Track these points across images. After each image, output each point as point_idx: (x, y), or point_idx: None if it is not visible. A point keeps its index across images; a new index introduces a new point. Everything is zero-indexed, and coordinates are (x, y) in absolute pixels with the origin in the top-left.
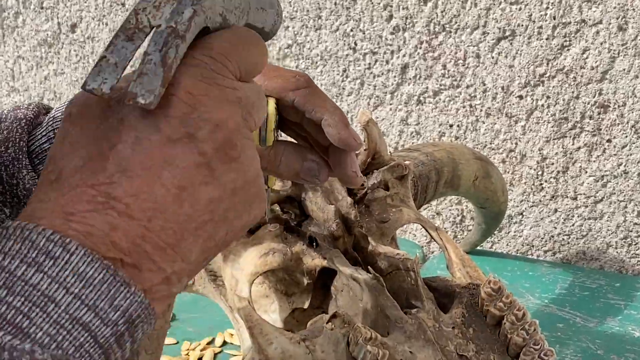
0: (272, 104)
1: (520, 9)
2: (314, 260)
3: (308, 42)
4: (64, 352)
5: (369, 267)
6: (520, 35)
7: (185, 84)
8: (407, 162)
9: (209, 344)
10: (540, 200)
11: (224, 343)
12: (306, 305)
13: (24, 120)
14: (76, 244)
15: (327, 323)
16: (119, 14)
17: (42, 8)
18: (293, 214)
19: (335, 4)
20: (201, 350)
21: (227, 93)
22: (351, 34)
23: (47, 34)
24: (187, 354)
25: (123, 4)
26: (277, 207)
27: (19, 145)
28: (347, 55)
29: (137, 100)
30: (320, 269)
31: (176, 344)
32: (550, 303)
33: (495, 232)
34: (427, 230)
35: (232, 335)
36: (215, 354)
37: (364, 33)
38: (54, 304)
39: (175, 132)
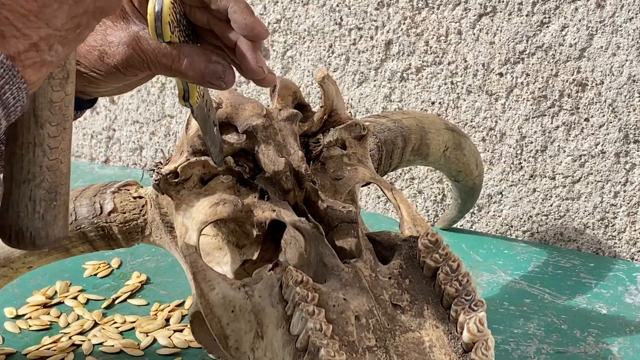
0: None
1: None
2: (264, 213)
3: (296, 17)
4: None
5: (309, 216)
6: (500, 11)
7: None
8: (366, 123)
9: (178, 306)
10: (519, 180)
11: None
12: (255, 257)
13: None
14: None
15: (268, 271)
16: None
17: None
18: (247, 167)
19: None
20: (169, 312)
21: None
22: (337, 9)
23: None
24: (156, 314)
25: None
26: (230, 160)
27: None
28: (333, 30)
29: None
30: (271, 222)
31: (147, 305)
32: (521, 280)
33: (475, 212)
34: (382, 190)
35: None
36: (183, 316)
37: (349, 8)
38: None
39: None
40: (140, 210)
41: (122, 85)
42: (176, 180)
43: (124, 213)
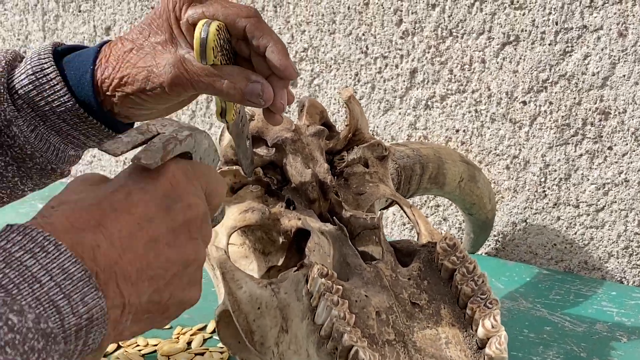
0: (214, 25)
1: (524, 14)
2: (290, 221)
3: (322, 45)
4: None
5: (334, 219)
6: (524, 40)
7: (173, 172)
8: (387, 144)
9: (200, 330)
10: (543, 208)
11: (215, 330)
12: (280, 263)
13: (3, 62)
14: (66, 247)
15: (294, 271)
16: None
17: (79, 11)
18: (275, 179)
19: (349, 8)
20: (191, 335)
21: (197, 190)
22: (363, 38)
23: (84, 36)
24: (177, 338)
25: (152, 7)
26: (260, 171)
27: None
28: (359, 59)
29: (141, 161)
30: (295, 230)
31: (169, 328)
32: (542, 307)
33: (500, 239)
34: (401, 207)
35: None
36: (205, 339)
37: (375, 37)
38: (39, 284)
39: (158, 199)
40: None
41: (164, 108)
42: None
43: None
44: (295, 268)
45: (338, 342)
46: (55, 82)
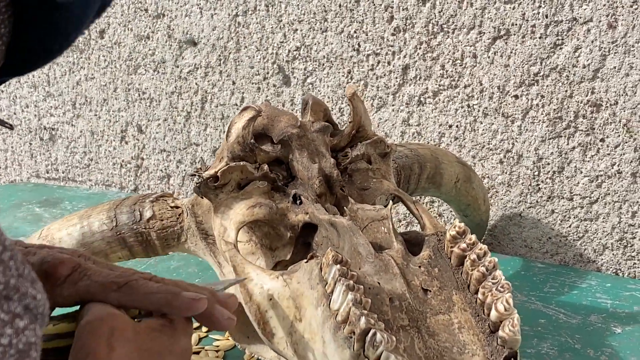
0: None
1: (514, 7)
2: (297, 216)
3: (315, 44)
4: None
5: (344, 208)
6: (514, 34)
7: None
8: (390, 142)
9: (196, 329)
10: (537, 201)
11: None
12: (288, 257)
13: None
14: None
15: (306, 262)
16: (143, 19)
17: None
18: (280, 175)
19: (340, 5)
20: None
21: None
22: (355, 35)
23: (79, 40)
24: None
25: (146, 10)
26: (266, 167)
27: None
28: (351, 56)
29: None
30: (302, 225)
31: None
32: (536, 300)
33: (496, 234)
34: (404, 203)
35: None
36: (200, 338)
37: (366, 34)
38: None
39: None
40: (177, 218)
41: None
42: (216, 184)
43: (162, 220)
44: (306, 260)
45: (355, 326)
46: None
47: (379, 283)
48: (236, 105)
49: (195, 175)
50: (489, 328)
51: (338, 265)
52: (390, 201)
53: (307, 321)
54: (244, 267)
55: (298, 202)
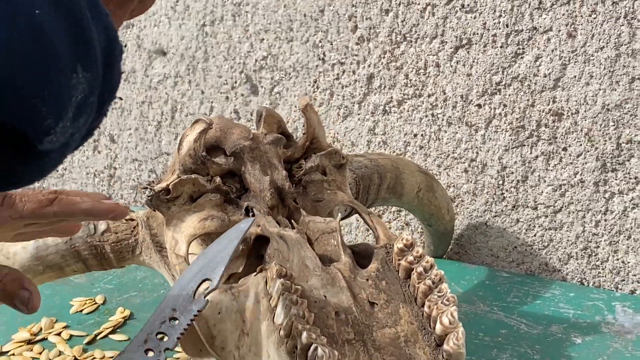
0: None
1: (475, 17)
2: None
3: (281, 53)
4: None
5: (292, 223)
6: (476, 43)
7: None
8: (345, 153)
9: None
10: (502, 210)
11: None
12: (240, 270)
13: None
14: None
15: (255, 275)
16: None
17: None
18: (233, 187)
19: (305, 15)
20: None
21: None
22: (320, 44)
23: None
24: None
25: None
26: (218, 179)
27: None
28: (317, 66)
29: None
30: (255, 237)
31: (128, 340)
32: (499, 310)
33: (463, 243)
34: (359, 214)
35: None
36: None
37: (331, 44)
38: None
39: None
40: (132, 231)
41: None
42: (167, 197)
43: (117, 233)
44: (255, 273)
45: (297, 341)
46: None
47: (325, 296)
48: (206, 114)
49: (147, 188)
50: (435, 342)
51: (281, 279)
52: (339, 214)
53: (254, 335)
54: None
55: (250, 214)
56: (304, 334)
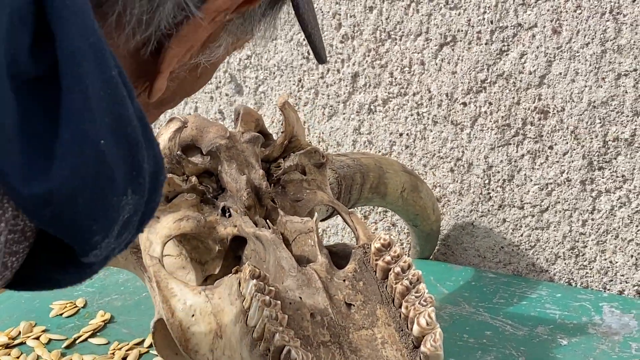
0: None
1: (459, 14)
2: (226, 229)
3: (265, 52)
4: None
5: (267, 221)
6: (460, 41)
7: None
8: (325, 152)
9: (137, 344)
10: (488, 210)
11: (152, 344)
12: (217, 271)
13: None
14: None
15: (229, 277)
16: None
17: None
18: (210, 187)
19: (288, 13)
20: (127, 350)
21: None
22: (304, 43)
23: None
24: (113, 353)
25: None
26: (194, 179)
27: None
28: (301, 65)
29: None
30: (232, 238)
31: (107, 344)
32: (484, 311)
33: (450, 244)
34: (340, 214)
35: None
36: (141, 354)
37: None
38: None
39: None
40: None
41: None
42: None
43: None
44: (232, 273)
45: (270, 343)
46: None
47: (300, 298)
48: (189, 114)
49: None
50: (413, 343)
51: (254, 281)
52: (316, 213)
53: (227, 337)
54: (167, 283)
55: (227, 214)
56: (277, 336)
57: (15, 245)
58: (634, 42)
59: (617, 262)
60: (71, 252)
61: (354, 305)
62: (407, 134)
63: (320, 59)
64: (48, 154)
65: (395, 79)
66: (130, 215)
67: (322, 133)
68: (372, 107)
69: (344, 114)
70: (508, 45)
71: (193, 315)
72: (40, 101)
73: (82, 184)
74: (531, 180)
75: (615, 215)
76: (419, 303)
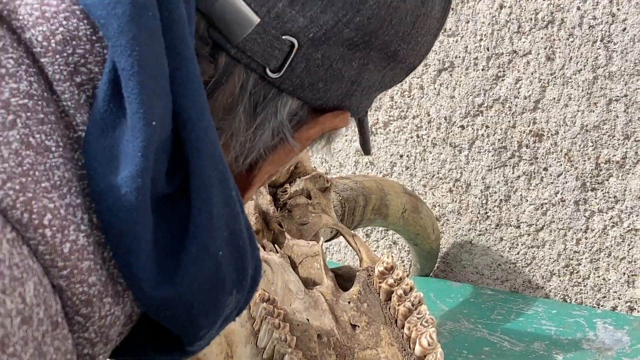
0: None
1: (457, 40)
2: None
3: None
4: None
5: (275, 245)
6: (458, 66)
7: None
8: (329, 177)
9: None
10: (486, 229)
11: None
12: None
13: None
14: None
15: None
16: None
17: None
18: None
19: None
20: None
21: None
22: None
23: None
24: None
25: None
26: None
27: None
28: None
29: None
30: None
31: None
32: (483, 328)
33: (449, 261)
34: (344, 236)
35: None
36: None
37: None
38: None
39: None
40: None
41: None
42: None
43: None
44: None
45: None
46: None
47: (307, 319)
48: None
49: None
50: None
51: (264, 304)
52: (322, 237)
53: (238, 358)
54: None
55: None
56: (286, 357)
57: (122, 327)
58: (625, 69)
59: (610, 279)
60: (178, 341)
61: (358, 326)
62: (407, 156)
63: (368, 151)
64: (176, 264)
65: (396, 102)
66: (232, 310)
67: (325, 155)
68: (373, 129)
69: (346, 135)
70: (504, 71)
71: None
72: (171, 217)
73: (200, 291)
74: (527, 201)
75: (607, 234)
76: (420, 324)
